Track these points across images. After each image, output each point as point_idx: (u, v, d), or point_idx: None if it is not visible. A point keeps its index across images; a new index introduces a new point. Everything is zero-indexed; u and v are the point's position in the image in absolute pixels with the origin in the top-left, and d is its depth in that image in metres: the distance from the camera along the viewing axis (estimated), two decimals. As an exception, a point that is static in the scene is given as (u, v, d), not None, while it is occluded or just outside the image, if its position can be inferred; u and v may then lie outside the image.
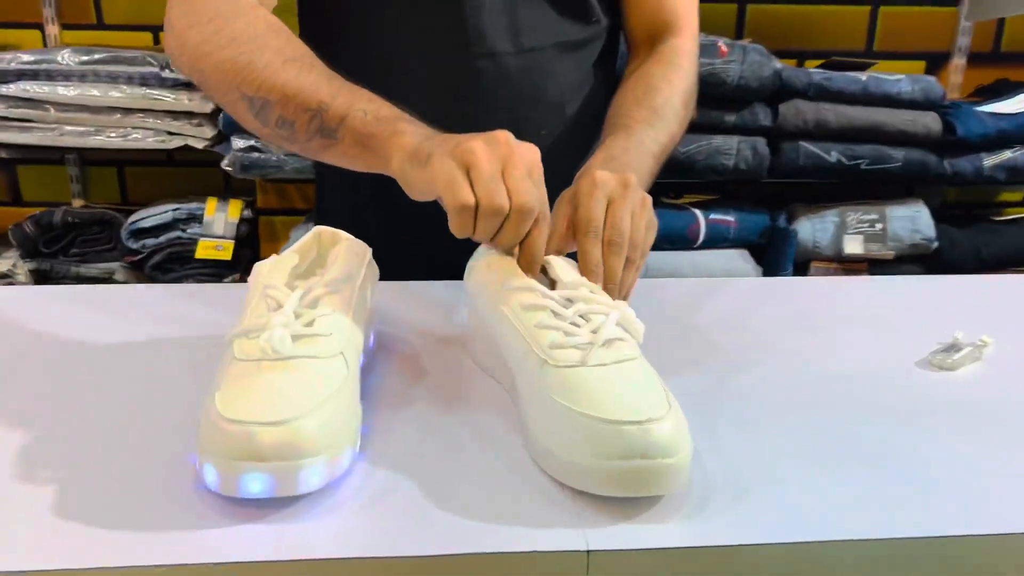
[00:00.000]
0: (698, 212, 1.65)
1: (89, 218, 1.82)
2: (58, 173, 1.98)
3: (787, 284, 0.99)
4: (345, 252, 0.67)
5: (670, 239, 1.62)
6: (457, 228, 0.60)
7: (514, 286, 0.60)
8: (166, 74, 1.66)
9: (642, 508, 0.48)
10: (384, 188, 0.72)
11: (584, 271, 0.64)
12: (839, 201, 1.73)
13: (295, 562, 0.45)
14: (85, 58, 1.66)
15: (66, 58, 1.65)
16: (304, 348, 0.56)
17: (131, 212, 1.82)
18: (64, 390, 0.63)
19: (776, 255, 1.65)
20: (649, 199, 0.69)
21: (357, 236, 0.70)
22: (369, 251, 0.70)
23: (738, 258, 1.67)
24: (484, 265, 0.66)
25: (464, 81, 0.86)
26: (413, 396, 0.64)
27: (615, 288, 0.64)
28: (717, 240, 1.66)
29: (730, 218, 1.66)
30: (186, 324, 0.76)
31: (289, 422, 0.48)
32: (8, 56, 1.65)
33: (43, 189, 2.01)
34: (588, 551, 0.45)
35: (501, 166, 0.60)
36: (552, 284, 0.62)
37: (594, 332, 0.54)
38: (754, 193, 1.73)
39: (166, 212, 1.78)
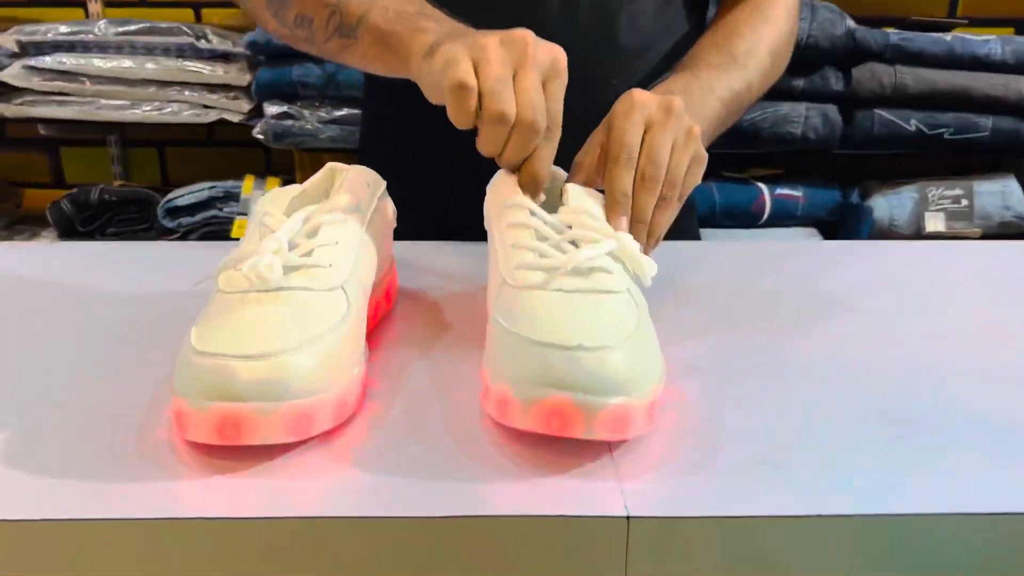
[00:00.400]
0: (763, 186, 1.52)
1: (126, 196, 1.78)
2: (100, 155, 1.96)
3: (866, 247, 0.87)
4: (353, 180, 0.58)
5: (732, 215, 1.50)
6: (454, 114, 0.53)
7: (508, 204, 0.53)
8: (202, 44, 1.60)
9: (701, 470, 0.40)
10: (428, 157, 0.66)
11: (609, 204, 0.54)
12: (919, 175, 1.59)
13: (281, 520, 0.37)
14: (121, 29, 1.61)
15: (102, 29, 1.61)
16: (298, 280, 0.48)
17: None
18: (58, 339, 0.57)
19: (848, 234, 1.52)
20: (697, 128, 0.59)
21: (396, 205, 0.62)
22: (383, 184, 0.62)
23: (806, 237, 1.54)
24: (491, 187, 0.59)
25: (522, 11, 0.76)
26: (432, 346, 0.56)
27: (643, 228, 0.55)
28: (783, 217, 1.53)
29: (798, 193, 1.53)
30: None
31: (273, 355, 0.42)
32: (44, 27, 1.62)
33: (85, 170, 1.99)
34: (628, 517, 0.37)
35: (513, 69, 0.53)
36: None
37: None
38: (824, 166, 1.59)
39: (202, 190, 1.72)
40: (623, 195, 0.55)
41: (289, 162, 1.79)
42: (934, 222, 1.53)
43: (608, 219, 0.53)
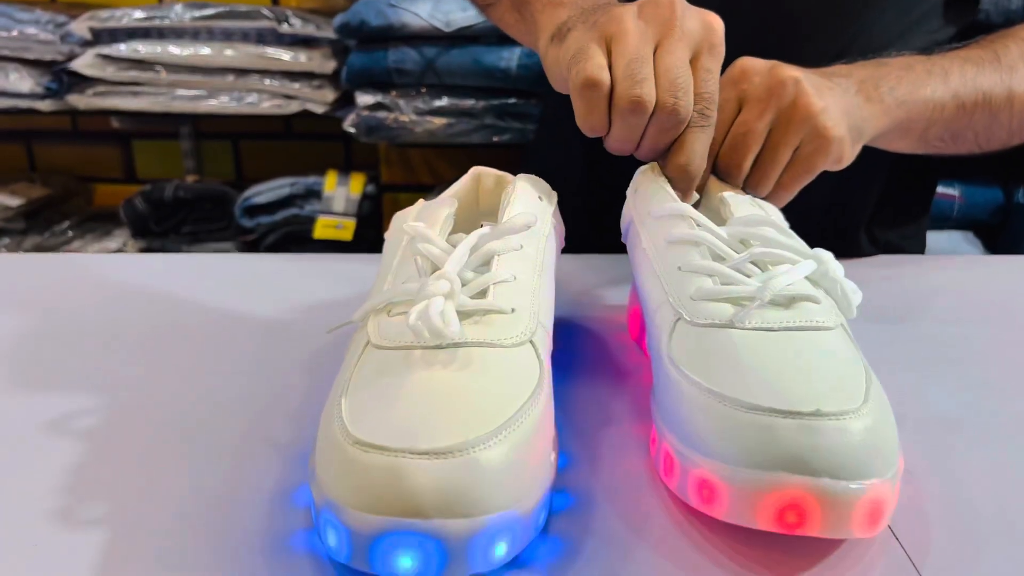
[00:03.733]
0: (913, 184, 1.34)
1: (201, 193, 1.67)
2: (171, 148, 1.86)
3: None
4: (523, 194, 0.44)
5: (877, 217, 1.32)
6: (582, 117, 0.45)
7: (662, 213, 0.43)
8: (284, 29, 1.47)
9: None
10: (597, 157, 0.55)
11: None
12: (1097, 171, 1.38)
13: None
14: (198, 13, 1.49)
15: (178, 13, 1.49)
16: (477, 332, 0.34)
17: (246, 189, 1.66)
18: (137, 380, 0.46)
19: (1013, 238, 1.32)
20: (819, 108, 0.49)
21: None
22: (555, 197, 0.47)
23: (963, 241, 1.35)
24: (635, 188, 0.49)
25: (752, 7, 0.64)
26: (615, 410, 0.41)
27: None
28: (938, 219, 1.34)
29: (954, 192, 1.34)
30: (301, 301, 0.55)
31: (463, 452, 0.29)
32: (119, 13, 1.51)
33: (157, 165, 1.90)
34: None
35: (655, 42, 0.44)
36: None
37: (768, 280, 0.37)
38: (985, 161, 1.39)
39: (282, 187, 1.61)
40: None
41: (372, 157, 1.66)
42: (1115, 225, 1.32)
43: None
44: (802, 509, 0.29)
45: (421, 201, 0.45)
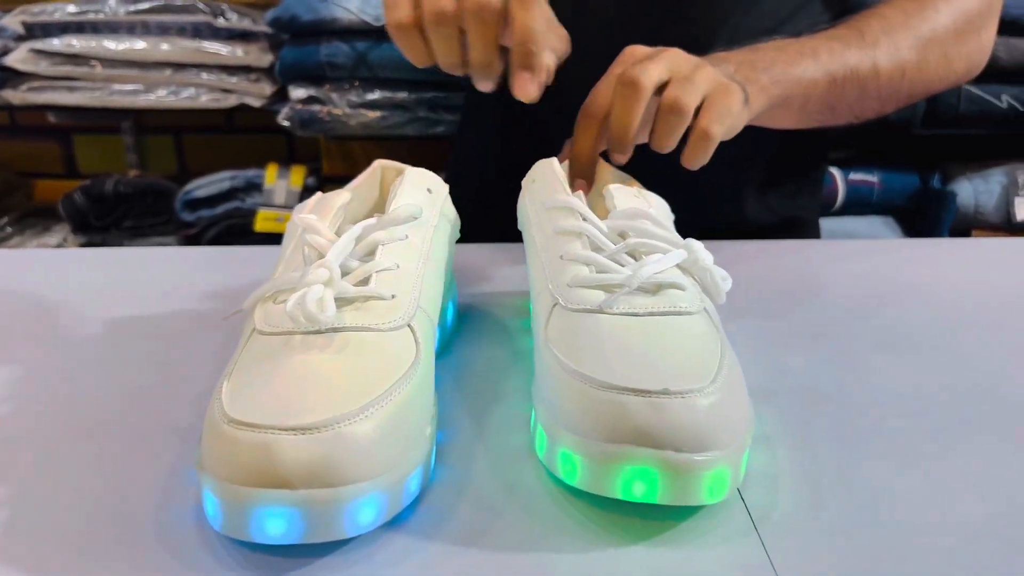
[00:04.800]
0: (835, 171, 1.38)
1: (142, 188, 1.67)
2: (114, 143, 1.84)
3: (954, 246, 0.75)
4: (412, 185, 0.47)
5: (801, 203, 1.36)
6: (407, 54, 0.51)
7: (553, 204, 0.46)
8: (220, 23, 1.48)
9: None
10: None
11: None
12: (1008, 156, 1.44)
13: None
14: (133, 7, 1.49)
15: (113, 7, 1.48)
16: (355, 317, 0.36)
17: (189, 183, 1.65)
18: (56, 370, 0.48)
19: (930, 223, 1.37)
20: (710, 70, 0.51)
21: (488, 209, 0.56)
22: (446, 188, 0.50)
23: (882, 226, 1.40)
24: (531, 181, 0.52)
25: None
26: (506, 389, 0.44)
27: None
28: (858, 205, 1.39)
29: (873, 178, 1.39)
30: (217, 293, 0.58)
31: (328, 427, 0.31)
32: (52, 7, 1.50)
33: (98, 160, 1.88)
34: None
35: None
36: None
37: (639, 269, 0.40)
38: (901, 147, 1.45)
39: (223, 181, 1.61)
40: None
41: (314, 149, 1.67)
42: (1025, 209, 1.38)
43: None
44: (650, 479, 0.32)
45: (319, 194, 0.48)
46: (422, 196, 0.46)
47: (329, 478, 0.30)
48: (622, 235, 0.43)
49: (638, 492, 0.33)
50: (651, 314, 0.38)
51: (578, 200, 0.45)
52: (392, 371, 0.35)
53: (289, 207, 1.57)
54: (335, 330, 0.36)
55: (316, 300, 0.36)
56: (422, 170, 0.49)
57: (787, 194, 0.81)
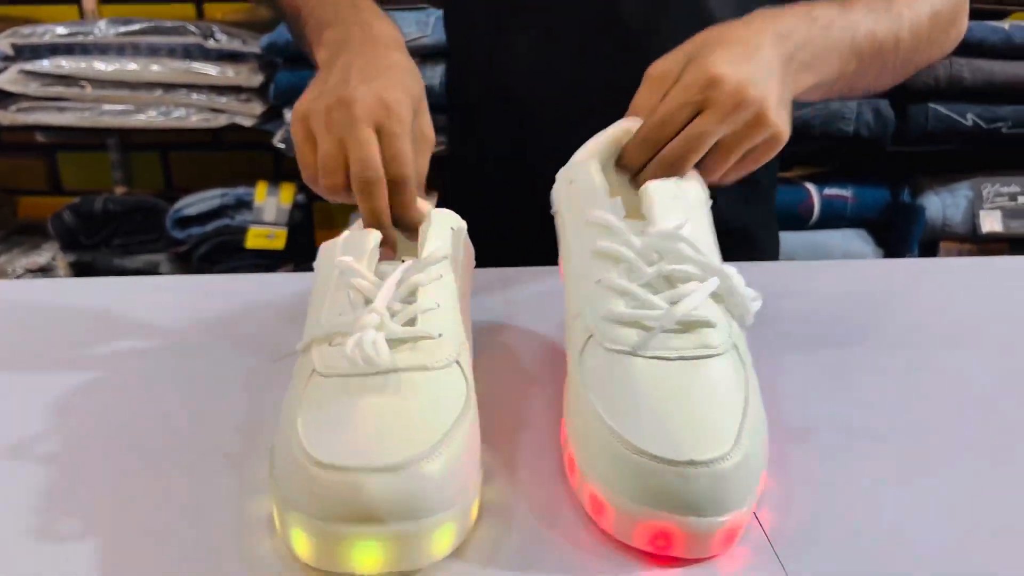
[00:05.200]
0: (811, 187, 1.44)
1: (131, 206, 1.68)
2: (99, 160, 1.85)
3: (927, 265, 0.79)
4: (439, 225, 0.50)
5: (780, 218, 1.41)
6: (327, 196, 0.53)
7: (594, 219, 0.46)
8: (210, 44, 1.50)
9: None
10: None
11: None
12: (973, 171, 1.50)
13: None
14: (123, 29, 1.51)
15: (103, 29, 1.50)
16: (409, 357, 0.40)
17: (176, 200, 1.67)
18: (80, 410, 0.49)
19: (900, 235, 1.44)
20: (769, 110, 0.50)
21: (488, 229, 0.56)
22: (464, 225, 0.53)
23: (856, 239, 1.46)
24: (568, 177, 0.51)
25: None
26: (532, 414, 0.47)
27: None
28: (832, 219, 1.44)
29: (847, 193, 1.45)
30: (234, 322, 0.60)
31: (408, 466, 0.35)
32: (41, 29, 1.51)
33: (84, 177, 1.89)
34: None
35: (341, 132, 0.50)
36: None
37: (673, 304, 0.41)
38: (872, 163, 1.51)
39: (213, 198, 1.63)
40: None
41: (302, 166, 1.69)
42: (990, 221, 1.45)
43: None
44: (670, 537, 0.35)
45: (346, 232, 0.50)
46: (448, 235, 0.50)
47: (413, 512, 0.34)
48: (659, 253, 0.44)
49: (658, 546, 0.36)
50: (682, 358, 0.40)
51: (615, 219, 0.45)
52: (451, 408, 0.38)
53: (280, 224, 1.60)
54: (392, 371, 0.40)
55: (371, 343, 0.39)
56: (445, 211, 0.52)
57: (739, 198, 0.77)
